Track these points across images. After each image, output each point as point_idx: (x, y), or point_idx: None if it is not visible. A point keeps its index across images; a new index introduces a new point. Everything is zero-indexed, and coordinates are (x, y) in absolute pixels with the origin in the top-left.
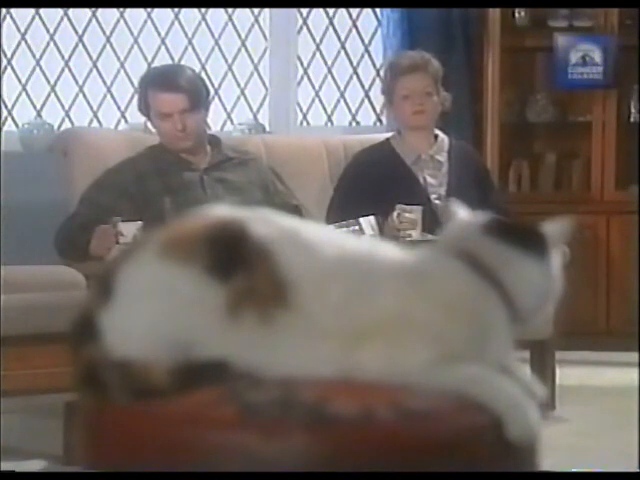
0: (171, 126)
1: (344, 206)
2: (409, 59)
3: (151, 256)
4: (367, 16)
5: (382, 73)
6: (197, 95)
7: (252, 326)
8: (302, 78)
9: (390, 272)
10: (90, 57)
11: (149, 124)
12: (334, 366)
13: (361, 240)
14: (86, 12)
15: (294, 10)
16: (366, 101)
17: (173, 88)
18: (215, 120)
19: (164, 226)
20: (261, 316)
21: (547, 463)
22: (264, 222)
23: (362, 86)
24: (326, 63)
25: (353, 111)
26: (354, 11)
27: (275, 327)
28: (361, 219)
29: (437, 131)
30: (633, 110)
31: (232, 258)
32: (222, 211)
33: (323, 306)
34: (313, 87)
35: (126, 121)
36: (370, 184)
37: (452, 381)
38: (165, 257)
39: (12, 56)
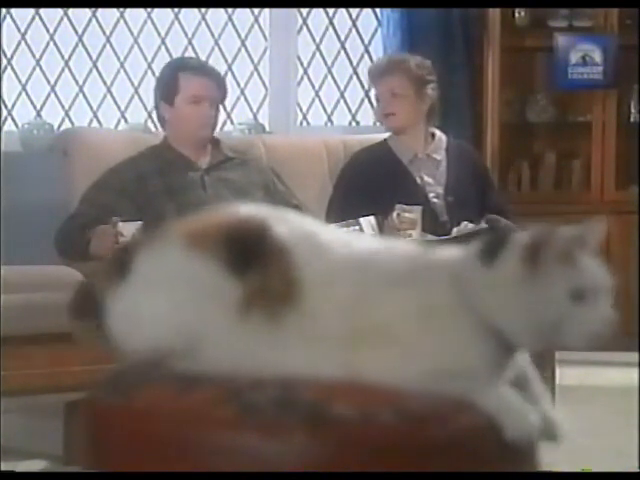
0: (199, 112)
1: (342, 206)
2: (378, 62)
3: (173, 244)
4: (367, 16)
5: None
6: (224, 88)
7: (261, 324)
8: (302, 78)
9: (391, 278)
10: (90, 57)
11: (149, 123)
12: (336, 367)
13: (377, 242)
14: (86, 12)
15: (294, 10)
16: (366, 101)
17: (209, 74)
18: None
19: (188, 217)
20: (270, 314)
21: (547, 463)
22: (286, 222)
23: (362, 86)
24: (326, 63)
25: (353, 111)
26: (354, 11)
27: (282, 326)
28: (361, 219)
29: (435, 130)
30: (633, 110)
31: (250, 256)
32: (246, 208)
33: (328, 307)
34: (313, 87)
35: (126, 121)
36: (367, 184)
37: (448, 390)
38: (186, 248)
39: (12, 56)
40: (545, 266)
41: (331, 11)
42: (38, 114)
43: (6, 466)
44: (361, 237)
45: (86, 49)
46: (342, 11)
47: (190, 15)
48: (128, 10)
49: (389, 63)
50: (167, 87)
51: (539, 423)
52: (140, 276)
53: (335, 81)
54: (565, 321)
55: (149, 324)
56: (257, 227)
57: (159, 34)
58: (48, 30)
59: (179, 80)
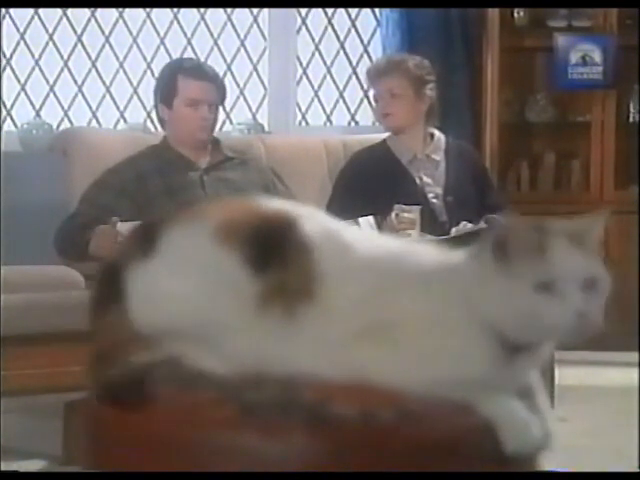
0: (197, 115)
1: (341, 206)
2: (376, 63)
3: (203, 231)
4: (366, 16)
5: None
6: (223, 90)
7: (278, 320)
8: (301, 78)
9: (406, 281)
10: (89, 57)
11: (149, 123)
12: (346, 367)
13: (399, 243)
14: (85, 12)
15: (293, 10)
16: (365, 101)
17: (208, 77)
18: None
19: (221, 203)
20: (287, 311)
21: (546, 463)
22: (313, 220)
23: (361, 86)
24: (325, 63)
25: (352, 111)
26: (353, 11)
27: (299, 324)
28: (360, 219)
29: (434, 130)
30: (632, 110)
31: (275, 253)
32: (277, 203)
33: (342, 304)
34: (312, 87)
35: (125, 121)
36: (366, 185)
37: (452, 397)
38: (214, 237)
39: (11, 56)
40: (510, 259)
41: (330, 11)
42: (37, 114)
43: (5, 466)
44: (384, 238)
45: (85, 49)
46: (341, 11)
47: (189, 15)
48: (127, 10)
49: (388, 63)
50: (165, 89)
51: (541, 438)
52: (165, 255)
53: (334, 81)
54: (534, 314)
55: (167, 303)
56: (285, 225)
57: (158, 34)
58: (47, 30)
59: (177, 83)
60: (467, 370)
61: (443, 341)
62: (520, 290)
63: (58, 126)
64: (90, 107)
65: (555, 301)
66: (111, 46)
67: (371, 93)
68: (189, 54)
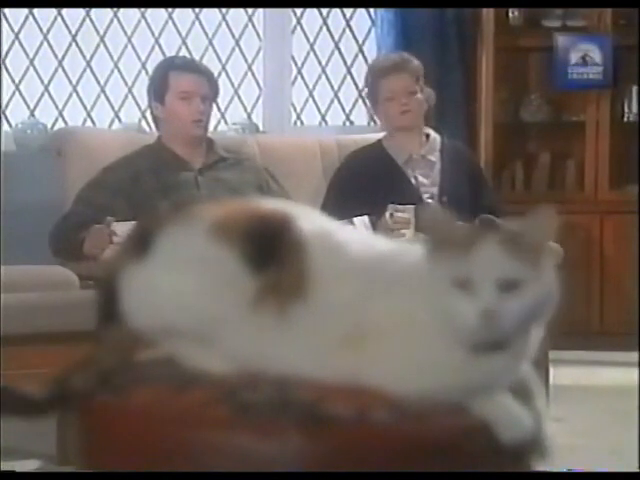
0: (191, 108)
1: (336, 207)
2: (388, 61)
3: (197, 229)
4: (361, 16)
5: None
6: (215, 86)
7: (272, 318)
8: (296, 78)
9: (392, 282)
10: (84, 57)
11: (143, 123)
12: (334, 367)
13: (391, 244)
14: (80, 12)
15: (288, 10)
16: (360, 101)
17: (199, 70)
18: None
19: (216, 203)
20: (281, 310)
21: (545, 463)
22: (308, 220)
23: (356, 86)
24: (320, 63)
25: (347, 111)
26: (348, 11)
27: (290, 322)
28: (355, 219)
29: (429, 130)
30: (627, 110)
31: (270, 252)
32: (272, 203)
33: (331, 306)
34: (307, 87)
35: (120, 121)
36: (362, 185)
37: (439, 400)
38: (210, 236)
39: (6, 55)
40: (439, 253)
41: (325, 11)
42: (32, 114)
43: (3, 466)
44: (377, 239)
45: (80, 49)
46: (336, 11)
47: (184, 15)
48: (122, 10)
49: (402, 60)
50: (158, 86)
51: (533, 427)
52: (161, 255)
53: (329, 81)
54: (447, 310)
55: (163, 302)
56: (279, 224)
57: (153, 34)
58: (42, 30)
59: (169, 78)
60: (440, 376)
61: (415, 346)
62: (440, 285)
63: (53, 126)
64: (85, 107)
65: (467, 298)
66: (106, 46)
67: (365, 92)
68: (184, 54)
